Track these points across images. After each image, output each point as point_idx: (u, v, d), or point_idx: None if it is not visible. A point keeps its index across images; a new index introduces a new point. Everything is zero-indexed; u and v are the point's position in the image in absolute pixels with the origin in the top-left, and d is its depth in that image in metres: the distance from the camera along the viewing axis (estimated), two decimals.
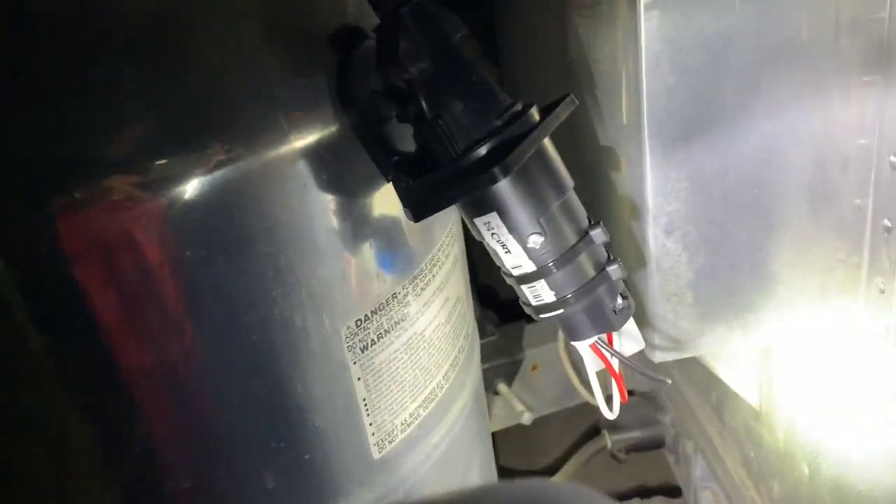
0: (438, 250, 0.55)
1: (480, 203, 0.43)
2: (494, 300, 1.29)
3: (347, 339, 0.48)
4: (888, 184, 0.56)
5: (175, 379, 0.43)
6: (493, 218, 0.43)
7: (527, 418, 1.18)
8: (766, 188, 0.57)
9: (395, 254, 0.51)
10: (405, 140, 0.46)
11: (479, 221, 0.44)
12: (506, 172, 0.40)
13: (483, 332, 1.18)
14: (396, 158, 0.45)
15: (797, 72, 0.53)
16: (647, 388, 1.26)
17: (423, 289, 0.53)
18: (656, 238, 0.58)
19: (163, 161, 0.40)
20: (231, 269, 0.42)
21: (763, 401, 0.84)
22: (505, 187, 0.42)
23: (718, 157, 0.55)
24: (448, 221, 0.57)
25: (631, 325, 0.53)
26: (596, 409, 0.57)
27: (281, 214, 0.43)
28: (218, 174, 0.41)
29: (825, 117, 0.54)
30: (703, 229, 0.58)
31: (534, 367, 1.25)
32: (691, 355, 0.64)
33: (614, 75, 0.58)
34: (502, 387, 1.22)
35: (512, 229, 0.43)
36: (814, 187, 0.56)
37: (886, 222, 0.57)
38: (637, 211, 0.57)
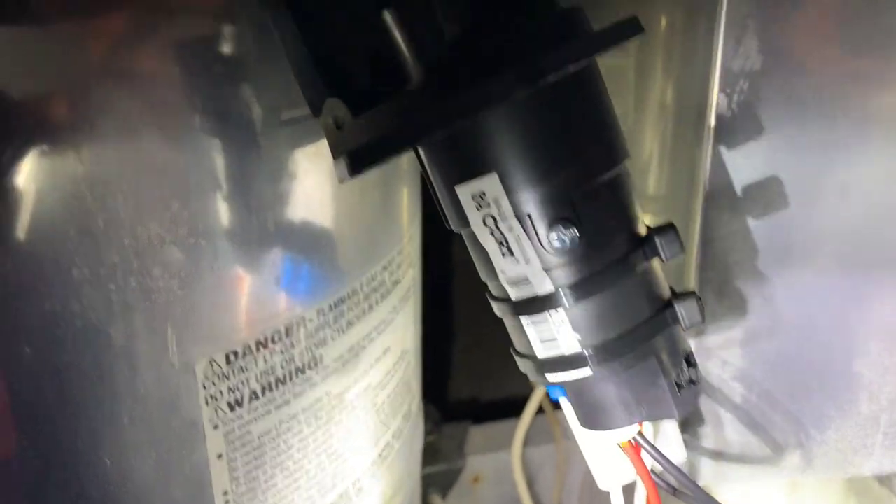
0: (384, 268, 0.35)
1: (469, 153, 0.24)
2: (437, 390, 1.09)
3: (207, 385, 0.28)
4: None
5: None
6: (490, 184, 0.24)
7: None
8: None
9: (313, 254, 0.31)
10: (349, 54, 0.27)
11: (463, 192, 0.24)
12: (533, 80, 0.21)
13: None
14: (335, 81, 0.26)
15: None
16: None
17: (350, 323, 0.33)
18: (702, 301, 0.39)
19: None
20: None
21: None
22: (519, 124, 0.23)
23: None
24: (406, 228, 0.38)
25: (672, 424, 0.33)
26: None
27: (108, 127, 0.24)
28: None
29: None
30: (773, 297, 0.39)
31: (475, 479, 1.04)
32: (728, 478, 0.44)
33: None
34: (435, 499, 1.00)
35: (521, 209, 0.24)
36: None
37: None
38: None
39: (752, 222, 0.38)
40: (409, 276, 0.39)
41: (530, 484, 1.01)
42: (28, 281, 0.23)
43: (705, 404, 0.41)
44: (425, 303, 0.46)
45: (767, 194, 0.38)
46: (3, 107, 0.22)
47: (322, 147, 0.30)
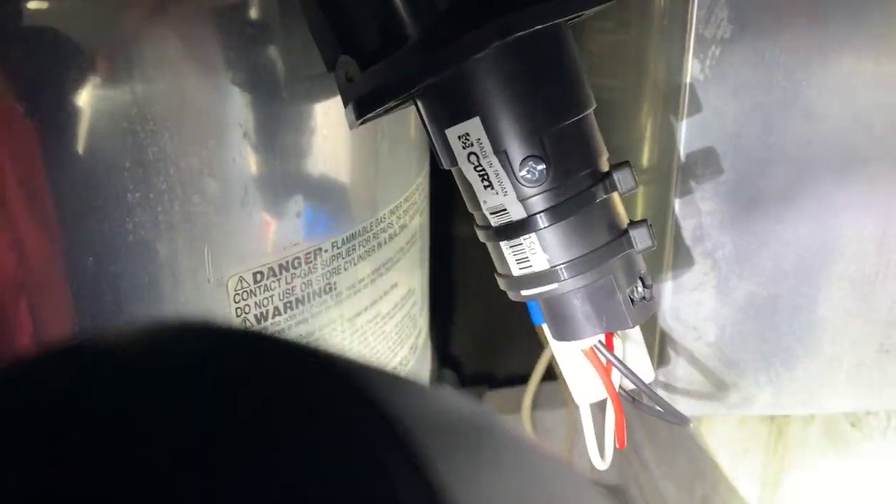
0: (392, 212, 0.40)
1: (456, 101, 0.29)
2: (452, 357, 1.14)
3: (237, 299, 0.33)
4: None
5: None
6: (473, 127, 0.28)
7: None
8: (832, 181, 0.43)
9: (329, 194, 0.36)
10: (358, 17, 0.32)
11: (451, 133, 0.29)
12: (504, 33, 0.26)
13: None
14: (347, 40, 0.31)
15: None
16: (614, 479, 1.09)
17: (361, 258, 0.38)
18: (678, 247, 0.43)
19: None
20: (63, 141, 0.27)
21: (765, 500, 0.68)
22: (497, 76, 0.28)
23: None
24: (412, 178, 0.42)
25: (641, 348, 0.38)
26: None
27: (158, 79, 0.29)
28: None
29: None
30: (742, 243, 0.44)
31: None
32: (703, 413, 0.49)
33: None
34: None
35: (499, 147, 0.28)
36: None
37: None
38: (660, 200, 0.43)
39: (722, 176, 0.42)
40: (416, 222, 0.44)
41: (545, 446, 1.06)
42: (92, 202, 0.28)
43: (680, 344, 0.46)
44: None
45: (736, 151, 0.42)
46: (72, 50, 0.27)
47: (337, 102, 0.35)
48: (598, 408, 0.37)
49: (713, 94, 0.41)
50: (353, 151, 0.37)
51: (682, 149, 0.42)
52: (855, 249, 0.44)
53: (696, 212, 0.43)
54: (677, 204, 0.43)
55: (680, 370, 0.47)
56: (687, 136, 0.42)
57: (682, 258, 0.44)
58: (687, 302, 0.45)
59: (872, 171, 0.43)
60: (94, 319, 0.30)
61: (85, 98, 0.27)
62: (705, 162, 0.42)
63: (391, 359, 0.43)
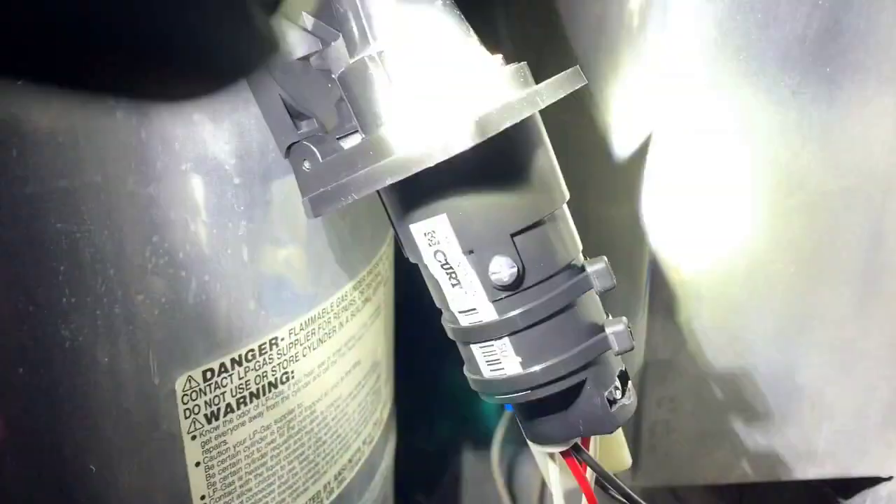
0: (355, 288, 0.38)
1: (422, 197, 0.27)
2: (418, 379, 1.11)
3: (186, 400, 0.30)
4: None
5: None
6: (440, 224, 0.26)
7: None
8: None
9: (286, 278, 0.34)
10: (323, 101, 0.29)
11: (416, 230, 0.27)
12: (477, 134, 0.24)
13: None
14: (304, 126, 0.29)
15: None
16: None
17: (321, 340, 0.36)
18: (654, 315, 0.42)
19: None
20: None
21: None
22: (468, 173, 0.26)
23: None
24: (375, 249, 0.40)
25: (616, 434, 0.36)
26: None
27: (93, 173, 0.26)
28: None
29: None
30: (719, 312, 0.42)
31: (459, 479, 1.07)
32: (685, 484, 0.47)
33: None
34: (420, 497, 1.03)
35: (467, 247, 0.26)
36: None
37: None
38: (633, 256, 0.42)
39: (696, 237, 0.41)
40: (381, 293, 0.42)
41: (514, 481, 1.04)
42: (23, 308, 0.26)
43: (658, 414, 0.44)
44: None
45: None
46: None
47: (291, 183, 0.33)
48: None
49: None
50: (310, 230, 0.34)
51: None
52: (833, 316, 0.43)
53: (671, 280, 0.42)
54: (652, 272, 0.42)
55: (657, 440, 0.45)
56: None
57: (658, 327, 0.43)
58: (663, 372, 0.43)
59: (848, 244, 0.42)
60: (26, 432, 0.27)
61: (16, 199, 0.25)
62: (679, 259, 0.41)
63: (354, 440, 0.40)
